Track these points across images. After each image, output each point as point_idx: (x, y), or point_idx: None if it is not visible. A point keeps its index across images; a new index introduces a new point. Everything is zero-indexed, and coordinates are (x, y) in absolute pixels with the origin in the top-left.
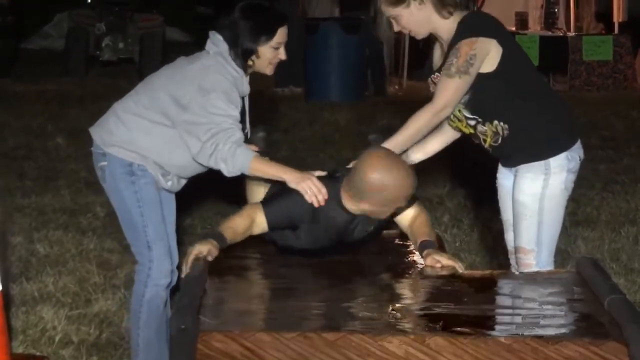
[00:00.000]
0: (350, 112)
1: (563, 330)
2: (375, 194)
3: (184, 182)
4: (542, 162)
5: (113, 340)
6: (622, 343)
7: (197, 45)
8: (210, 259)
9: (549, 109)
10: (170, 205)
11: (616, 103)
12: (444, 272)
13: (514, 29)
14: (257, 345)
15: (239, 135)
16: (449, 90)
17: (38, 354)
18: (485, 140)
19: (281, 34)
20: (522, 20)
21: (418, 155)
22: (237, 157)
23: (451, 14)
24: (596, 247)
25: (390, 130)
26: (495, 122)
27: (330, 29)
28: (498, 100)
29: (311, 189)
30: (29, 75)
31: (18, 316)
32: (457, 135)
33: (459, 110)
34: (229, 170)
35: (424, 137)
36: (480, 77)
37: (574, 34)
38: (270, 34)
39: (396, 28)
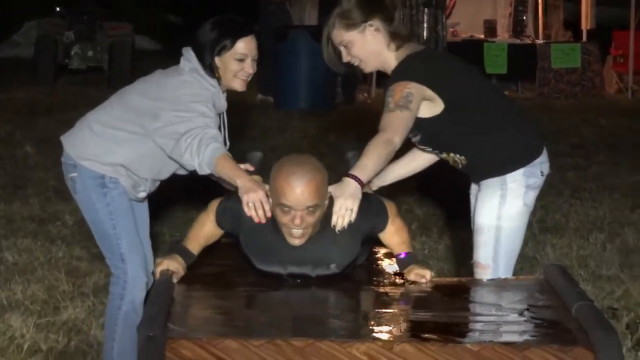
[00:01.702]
0: (319, 121)
1: (531, 337)
2: (270, 184)
3: (157, 184)
4: (498, 179)
5: (82, 348)
6: (590, 349)
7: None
8: (175, 280)
9: (503, 133)
10: (143, 213)
11: (585, 110)
12: (412, 279)
13: (482, 36)
14: (226, 352)
15: (214, 131)
16: (394, 121)
17: None
18: (449, 163)
19: (243, 45)
20: (490, 28)
21: (378, 182)
22: (208, 150)
23: (398, 48)
24: (564, 254)
25: (360, 140)
26: (452, 154)
27: (300, 37)
28: (449, 138)
29: (254, 202)
30: None
31: None
32: (424, 164)
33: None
34: (199, 163)
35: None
36: (425, 122)
37: (542, 41)
38: (230, 44)
39: (345, 58)
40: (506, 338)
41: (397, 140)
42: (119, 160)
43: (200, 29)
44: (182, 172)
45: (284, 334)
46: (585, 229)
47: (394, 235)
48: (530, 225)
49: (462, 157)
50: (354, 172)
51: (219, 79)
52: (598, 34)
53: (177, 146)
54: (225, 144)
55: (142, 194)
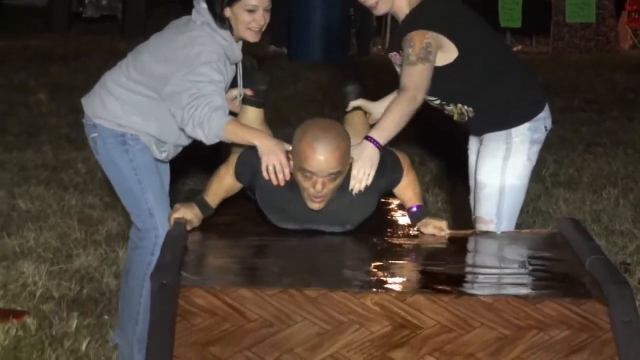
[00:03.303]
0: (333, 72)
1: (544, 290)
2: (293, 148)
3: (179, 149)
4: (503, 132)
5: (94, 296)
6: (603, 303)
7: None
8: (189, 228)
9: (510, 83)
10: (165, 172)
11: (599, 65)
12: (430, 232)
13: None
14: (238, 301)
15: (219, 101)
16: (416, 77)
17: (19, 308)
18: (452, 117)
19: None
20: None
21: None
22: (212, 121)
23: None
24: (577, 209)
25: (372, 90)
26: (459, 105)
27: None
28: (458, 88)
29: (274, 165)
30: (11, 31)
31: None
32: None
33: None
34: (206, 135)
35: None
36: (437, 70)
37: None
38: None
39: None
40: (519, 291)
41: (420, 97)
42: (137, 123)
43: None
44: None
45: (297, 284)
46: (599, 184)
47: (406, 189)
48: (543, 179)
49: (470, 109)
50: (373, 134)
51: (231, 30)
52: None
53: (182, 118)
54: (240, 93)
55: (164, 154)
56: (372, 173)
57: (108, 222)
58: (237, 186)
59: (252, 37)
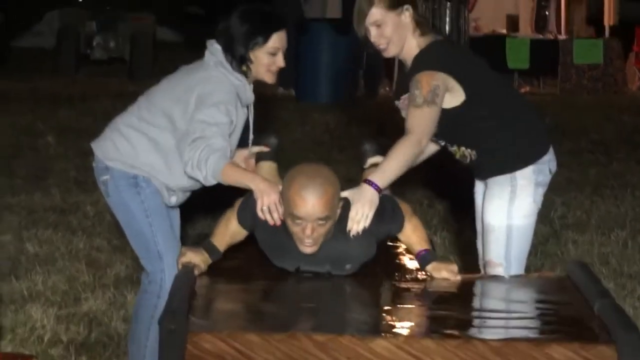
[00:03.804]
0: (340, 114)
1: (553, 334)
2: (282, 194)
3: (188, 194)
4: (508, 176)
5: (102, 339)
6: (612, 347)
7: (187, 45)
8: (196, 272)
9: (514, 125)
10: (175, 216)
11: (606, 107)
12: (444, 276)
13: (504, 31)
14: (246, 346)
15: (219, 143)
16: (422, 120)
17: (27, 353)
18: (455, 156)
19: (277, 39)
20: (513, 23)
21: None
22: (209, 163)
23: (422, 35)
24: (586, 251)
25: (382, 134)
26: (462, 147)
27: (322, 30)
28: (463, 132)
29: (267, 206)
30: (19, 73)
31: (7, 315)
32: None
33: None
34: (204, 176)
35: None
36: (443, 112)
37: (565, 37)
38: (264, 39)
39: (374, 37)
40: (527, 334)
41: (425, 142)
42: (147, 163)
43: (229, 21)
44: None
45: (305, 329)
46: (607, 226)
47: (411, 235)
48: (551, 222)
49: (473, 152)
50: (373, 177)
51: (246, 72)
52: (621, 30)
53: (183, 158)
54: (248, 137)
55: (173, 199)
56: (371, 215)
57: (116, 266)
58: (242, 232)
59: (270, 79)
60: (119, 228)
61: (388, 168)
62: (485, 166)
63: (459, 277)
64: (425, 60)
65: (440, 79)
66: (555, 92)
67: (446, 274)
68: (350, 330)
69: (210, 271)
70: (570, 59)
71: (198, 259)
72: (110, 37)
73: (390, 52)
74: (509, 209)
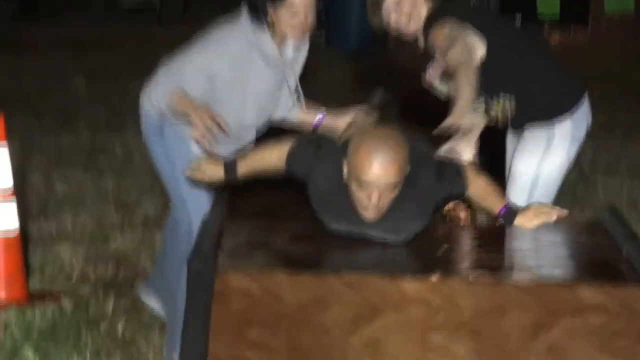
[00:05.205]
0: (370, 61)
1: (581, 275)
2: (348, 157)
3: (237, 146)
4: (545, 130)
5: (130, 278)
6: None
7: None
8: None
9: (549, 75)
10: None
11: (637, 55)
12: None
13: None
14: (274, 285)
15: (186, 74)
16: (459, 48)
17: (54, 291)
18: (497, 119)
19: (298, 2)
20: None
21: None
22: (161, 85)
23: (430, 1)
24: (615, 195)
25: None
26: (501, 101)
27: None
28: (494, 79)
29: (203, 121)
30: (50, 19)
31: (36, 253)
32: None
33: None
34: (156, 96)
35: None
36: None
37: None
38: None
39: (394, 18)
40: (556, 276)
41: (476, 59)
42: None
43: None
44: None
45: (333, 268)
46: (637, 171)
47: (482, 194)
48: (580, 166)
49: (512, 103)
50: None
51: (270, 30)
52: None
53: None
54: (293, 98)
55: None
56: (466, 118)
57: (145, 206)
58: (278, 171)
59: (296, 37)
60: (150, 169)
61: (465, 96)
62: (522, 113)
63: (556, 215)
64: (436, 17)
65: (451, 23)
66: (586, 41)
67: (543, 218)
68: (380, 270)
69: (239, 210)
70: (602, 7)
71: (209, 173)
72: None
73: (411, 29)
74: (540, 162)
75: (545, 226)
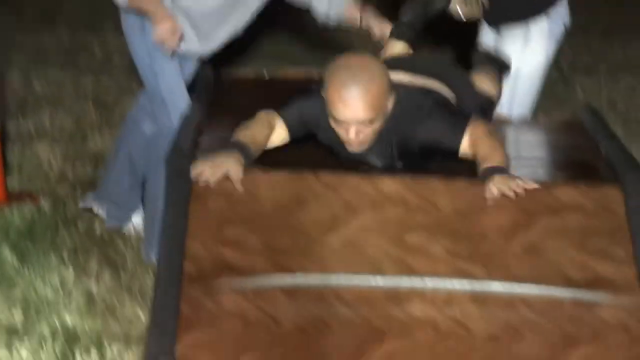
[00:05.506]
0: None
1: (560, 175)
2: (323, 90)
3: (206, 49)
4: (521, 27)
5: None
6: (618, 189)
7: None
8: (237, 186)
9: None
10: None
11: None
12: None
13: None
14: (252, 184)
15: None
16: None
17: (33, 192)
18: (469, 15)
19: None
20: None
21: None
22: None
23: None
24: (594, 95)
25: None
26: None
27: None
28: None
29: (166, 32)
30: None
31: (14, 151)
32: None
33: None
34: None
35: None
36: None
37: None
38: None
39: None
40: (534, 175)
41: None
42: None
43: None
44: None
45: (311, 169)
46: (616, 71)
47: (475, 143)
48: (560, 66)
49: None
50: None
51: None
52: None
53: None
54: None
55: (182, 45)
56: None
57: (123, 105)
58: (277, 140)
59: None
60: (129, 69)
61: None
62: (498, 9)
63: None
64: None
65: None
66: None
67: (506, 190)
68: (358, 173)
69: (219, 107)
70: None
71: (235, 167)
72: None
73: None
74: (520, 57)
75: (524, 127)
